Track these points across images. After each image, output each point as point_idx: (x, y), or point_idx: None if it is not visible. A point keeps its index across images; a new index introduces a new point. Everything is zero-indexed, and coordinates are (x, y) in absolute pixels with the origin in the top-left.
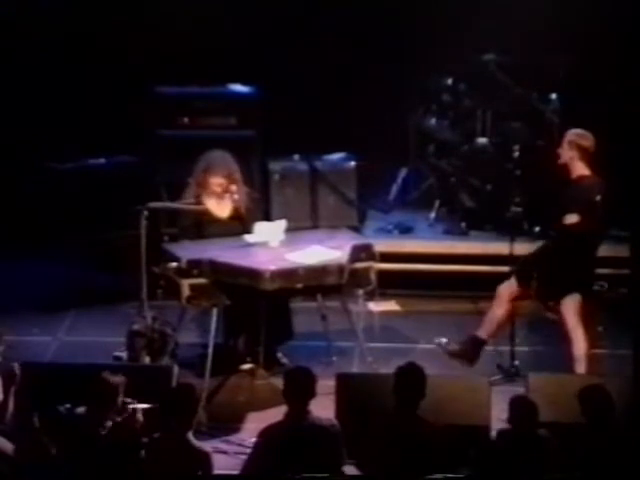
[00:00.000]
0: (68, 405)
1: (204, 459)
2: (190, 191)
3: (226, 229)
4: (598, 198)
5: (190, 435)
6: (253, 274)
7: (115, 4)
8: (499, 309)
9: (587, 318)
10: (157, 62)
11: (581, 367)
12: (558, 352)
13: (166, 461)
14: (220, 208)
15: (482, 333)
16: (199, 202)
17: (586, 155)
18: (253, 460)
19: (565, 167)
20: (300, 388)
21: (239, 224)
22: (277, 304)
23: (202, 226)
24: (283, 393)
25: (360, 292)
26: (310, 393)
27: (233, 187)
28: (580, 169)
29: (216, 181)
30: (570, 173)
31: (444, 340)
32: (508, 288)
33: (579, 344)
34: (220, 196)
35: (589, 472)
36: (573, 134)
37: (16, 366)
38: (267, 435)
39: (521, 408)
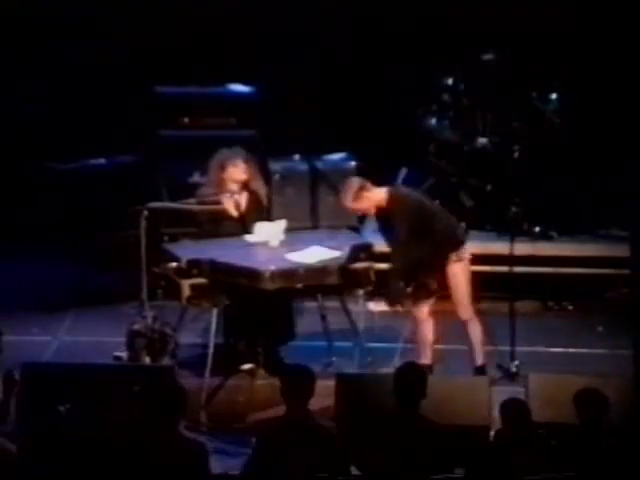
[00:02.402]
0: (68, 405)
1: (198, 449)
2: (205, 190)
3: (242, 227)
4: None
5: (182, 428)
6: (253, 274)
7: (115, 4)
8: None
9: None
10: (157, 62)
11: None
12: (558, 352)
13: (160, 456)
14: (235, 206)
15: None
16: (216, 200)
17: (365, 188)
18: (252, 460)
19: (378, 209)
20: (298, 387)
21: (255, 220)
22: (278, 304)
23: (219, 223)
24: (281, 392)
25: (360, 292)
26: (308, 392)
27: (248, 181)
28: (382, 195)
29: (237, 170)
30: (383, 207)
31: None
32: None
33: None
34: (237, 193)
35: (587, 472)
36: (351, 193)
37: (15, 372)
38: (265, 435)
39: (511, 410)
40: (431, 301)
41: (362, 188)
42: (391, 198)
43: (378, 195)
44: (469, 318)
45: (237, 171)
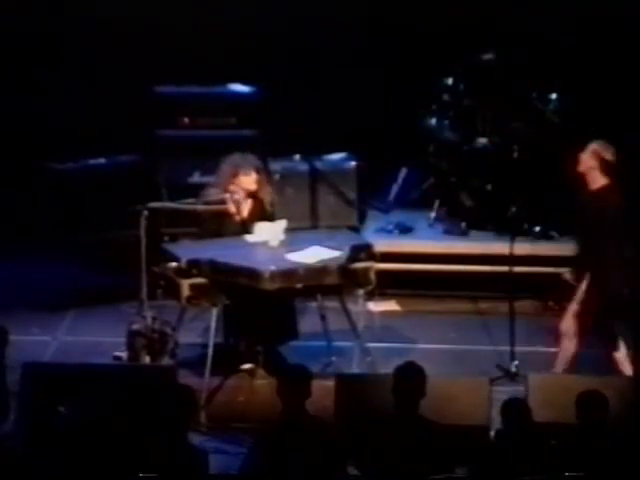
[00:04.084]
0: (68, 405)
1: (201, 458)
2: (211, 191)
3: (243, 228)
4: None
5: (188, 435)
6: (253, 274)
7: (115, 4)
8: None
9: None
10: (157, 62)
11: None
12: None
13: (163, 461)
14: (241, 209)
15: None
16: (220, 200)
17: (607, 166)
18: (250, 460)
19: (583, 175)
20: (294, 387)
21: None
22: (280, 304)
23: (222, 223)
24: (277, 392)
25: (360, 292)
26: (305, 391)
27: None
28: (602, 179)
29: (248, 179)
30: (588, 183)
31: None
32: None
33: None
34: (242, 199)
35: (587, 472)
36: (597, 144)
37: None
38: (263, 435)
39: (512, 410)
40: (571, 311)
41: (600, 158)
42: (615, 190)
43: (600, 177)
44: (565, 333)
45: (249, 180)
